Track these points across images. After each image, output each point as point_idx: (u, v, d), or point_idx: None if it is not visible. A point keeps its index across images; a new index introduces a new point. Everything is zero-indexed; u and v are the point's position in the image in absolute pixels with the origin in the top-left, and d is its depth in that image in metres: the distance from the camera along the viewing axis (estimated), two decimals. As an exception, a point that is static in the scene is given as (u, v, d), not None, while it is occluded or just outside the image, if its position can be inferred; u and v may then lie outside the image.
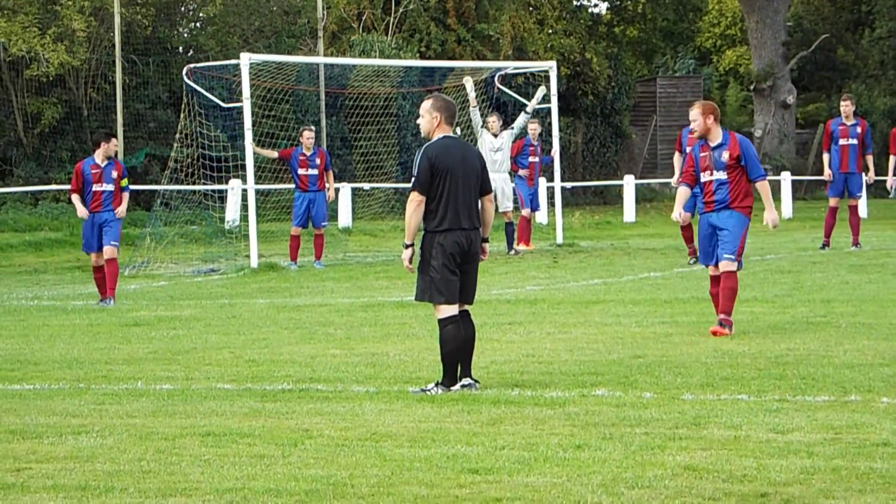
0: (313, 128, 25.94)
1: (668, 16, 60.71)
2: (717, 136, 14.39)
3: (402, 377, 12.05)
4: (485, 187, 11.46)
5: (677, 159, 23.76)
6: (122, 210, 20.34)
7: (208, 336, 15.60)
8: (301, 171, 25.18)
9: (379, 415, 10.26)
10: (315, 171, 25.24)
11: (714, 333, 14.20)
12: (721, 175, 14.33)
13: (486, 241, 11.65)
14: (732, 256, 14.46)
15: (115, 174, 20.26)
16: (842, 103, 25.54)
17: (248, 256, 25.93)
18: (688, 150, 23.32)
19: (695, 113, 14.52)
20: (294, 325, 16.50)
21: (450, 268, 11.23)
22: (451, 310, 11.24)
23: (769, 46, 57.90)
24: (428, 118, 11.45)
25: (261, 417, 10.29)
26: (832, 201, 25.42)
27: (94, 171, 20.22)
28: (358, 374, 12.34)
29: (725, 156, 14.27)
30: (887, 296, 17.43)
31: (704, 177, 14.46)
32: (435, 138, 11.41)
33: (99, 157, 20.26)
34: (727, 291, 14.43)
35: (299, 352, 13.99)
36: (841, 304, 16.71)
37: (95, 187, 20.19)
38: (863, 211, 43.29)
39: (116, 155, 20.90)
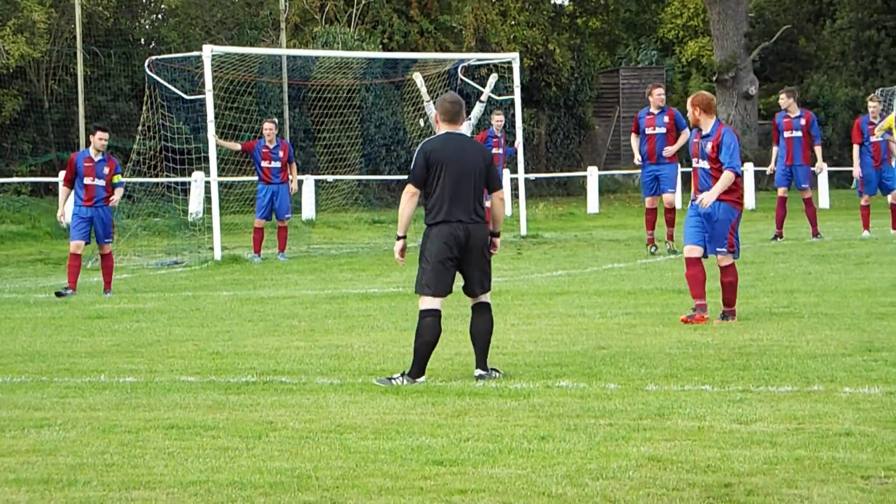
0: (275, 120, 25.88)
1: (630, 7, 60.87)
2: (707, 126, 14.50)
3: (366, 369, 12.04)
4: (492, 184, 11.57)
5: (633, 139, 23.93)
6: (115, 199, 20.40)
7: (172, 328, 15.55)
8: (264, 164, 25.14)
9: (343, 407, 10.25)
10: (278, 164, 25.20)
11: (689, 321, 14.32)
12: (705, 164, 14.44)
13: (496, 235, 11.70)
14: (725, 250, 14.58)
15: (106, 170, 20.25)
16: (780, 97, 25.83)
17: (211, 249, 25.87)
18: (648, 131, 23.55)
19: (688, 103, 14.83)
20: (258, 317, 16.47)
21: (442, 260, 11.24)
22: (433, 303, 11.26)
23: (731, 37, 58.07)
24: (434, 117, 11.98)
25: (225, 410, 10.26)
26: (780, 191, 25.69)
27: (86, 165, 20.24)
28: (322, 366, 12.32)
29: (709, 147, 14.41)
30: (849, 286, 17.51)
31: (694, 162, 14.67)
32: (437, 134, 11.60)
33: (92, 150, 20.36)
34: (727, 285, 14.62)
35: (263, 344, 13.96)
36: (804, 294, 16.79)
37: (87, 181, 20.20)
38: (824, 201, 43.65)
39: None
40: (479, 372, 11.39)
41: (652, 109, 23.68)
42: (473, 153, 11.51)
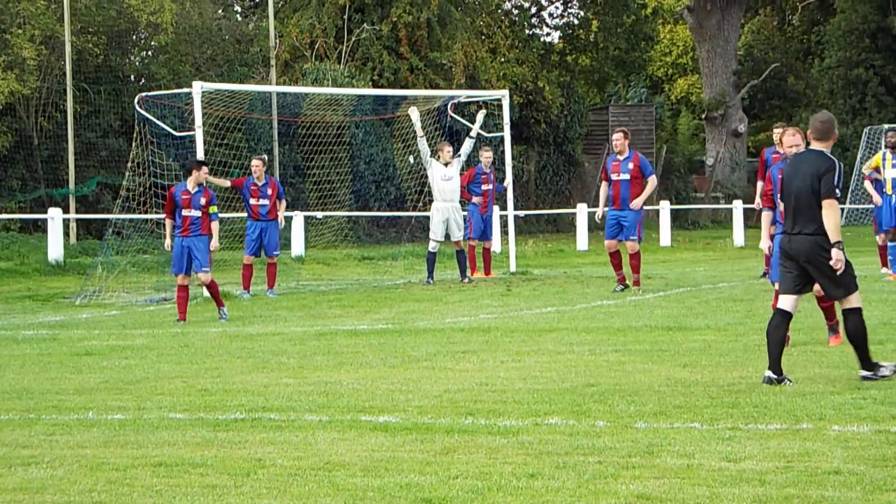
0: (264, 157, 25.91)
1: (619, 45, 61.04)
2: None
3: (355, 406, 12.01)
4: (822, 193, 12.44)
5: (602, 188, 23.87)
6: (214, 243, 21.46)
7: (160, 365, 15.51)
8: (252, 201, 25.19)
9: (332, 444, 10.23)
10: (267, 201, 25.25)
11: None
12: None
13: (833, 245, 12.36)
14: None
15: (203, 201, 21.30)
16: (774, 131, 25.84)
17: (200, 285, 25.81)
18: (613, 177, 23.42)
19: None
20: (246, 353, 16.44)
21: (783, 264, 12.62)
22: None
23: (720, 75, 58.31)
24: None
25: (213, 447, 10.23)
26: (772, 228, 25.55)
27: (184, 197, 21.31)
28: (311, 402, 12.30)
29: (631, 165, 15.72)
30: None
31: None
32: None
33: (190, 183, 21.31)
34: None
35: (252, 381, 13.93)
36: (793, 332, 16.74)
37: (185, 212, 21.28)
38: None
39: (207, 182, 21.93)
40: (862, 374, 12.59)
41: (617, 156, 23.69)
42: (806, 167, 12.51)
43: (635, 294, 23.29)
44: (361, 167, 43.12)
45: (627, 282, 23.99)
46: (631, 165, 23.46)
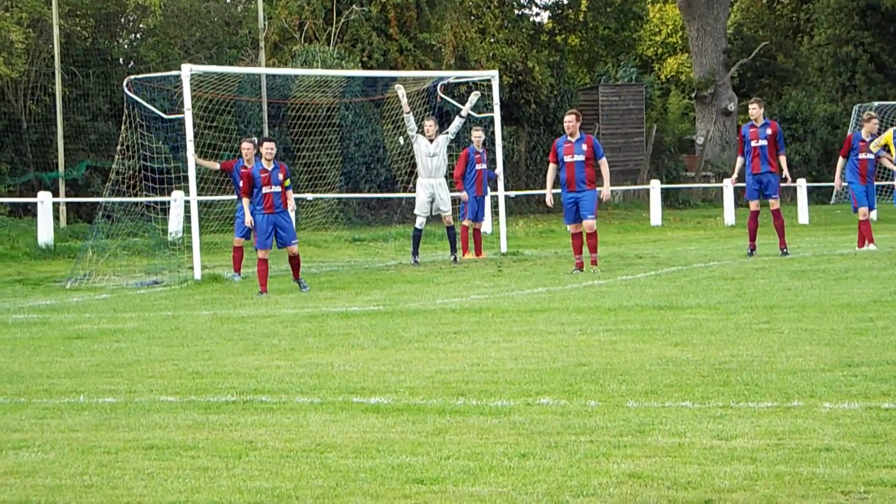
0: (254, 139, 25.78)
1: (609, 24, 61.02)
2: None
3: (346, 388, 12.01)
4: None
5: (550, 170, 23.87)
6: (291, 205, 22.78)
7: (151, 348, 15.51)
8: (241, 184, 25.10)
9: (323, 426, 10.23)
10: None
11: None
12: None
13: None
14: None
15: (280, 176, 22.41)
16: (749, 106, 26.05)
17: (191, 268, 25.82)
18: (566, 159, 23.42)
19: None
20: (238, 336, 16.43)
21: None
22: None
23: (710, 54, 58.29)
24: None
25: (204, 430, 10.23)
26: (752, 205, 25.82)
27: (262, 175, 22.37)
28: (302, 384, 12.30)
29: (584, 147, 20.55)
30: (829, 301, 17.55)
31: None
32: None
33: (264, 160, 22.33)
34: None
35: (243, 363, 13.92)
36: (783, 310, 16.81)
37: (265, 189, 22.36)
38: (804, 217, 43.77)
39: (277, 157, 22.83)
40: None
41: (569, 137, 23.67)
42: None
43: (593, 275, 23.16)
44: (351, 149, 43.08)
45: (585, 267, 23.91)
46: (584, 147, 23.46)
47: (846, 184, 26.69)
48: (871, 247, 26.08)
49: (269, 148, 22.45)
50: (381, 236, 36.46)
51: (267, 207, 22.33)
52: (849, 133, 27.25)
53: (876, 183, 26.89)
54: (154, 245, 29.75)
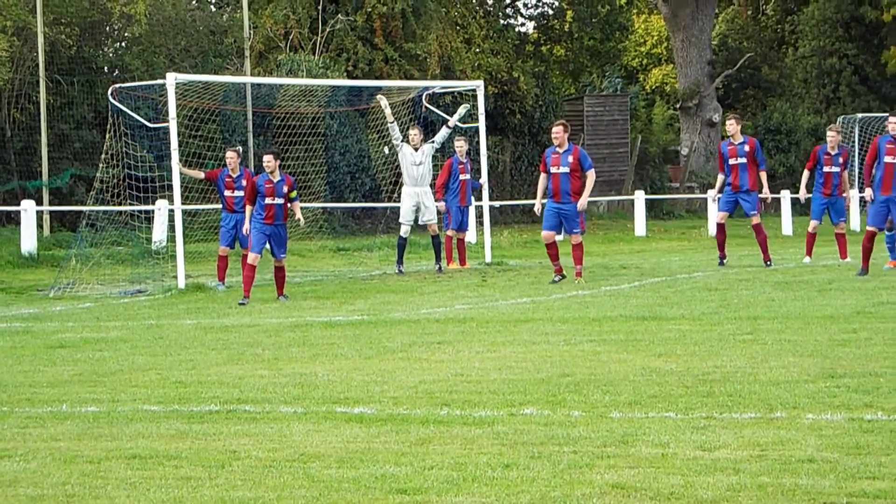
0: (238, 148, 25.81)
1: (594, 35, 61.04)
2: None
3: (330, 397, 12.00)
4: None
5: (541, 180, 23.86)
6: (298, 215, 23.00)
7: (135, 357, 15.47)
8: (227, 193, 25.07)
9: (307, 435, 10.22)
10: (241, 193, 25.14)
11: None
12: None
13: None
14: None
15: (285, 189, 22.64)
16: (727, 122, 26.30)
17: (175, 277, 25.77)
18: (552, 170, 23.43)
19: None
20: (221, 345, 16.41)
21: None
22: None
23: (695, 65, 58.38)
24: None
25: (188, 439, 10.21)
26: (719, 216, 26.44)
27: (267, 186, 22.57)
28: (286, 394, 12.28)
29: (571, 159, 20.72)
30: (812, 313, 17.58)
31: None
32: None
33: (269, 173, 22.56)
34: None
35: (226, 372, 13.90)
36: (767, 321, 16.84)
37: (268, 200, 22.55)
38: (787, 228, 43.86)
39: (277, 170, 22.78)
40: None
41: (557, 148, 23.71)
42: None
43: (577, 286, 23.16)
44: (336, 158, 43.05)
45: (564, 272, 23.96)
46: (571, 159, 23.48)
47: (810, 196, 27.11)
48: (807, 259, 26.66)
49: (267, 160, 22.56)
50: (365, 246, 36.44)
51: (267, 218, 22.54)
52: (815, 147, 27.45)
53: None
54: (138, 254, 29.68)
